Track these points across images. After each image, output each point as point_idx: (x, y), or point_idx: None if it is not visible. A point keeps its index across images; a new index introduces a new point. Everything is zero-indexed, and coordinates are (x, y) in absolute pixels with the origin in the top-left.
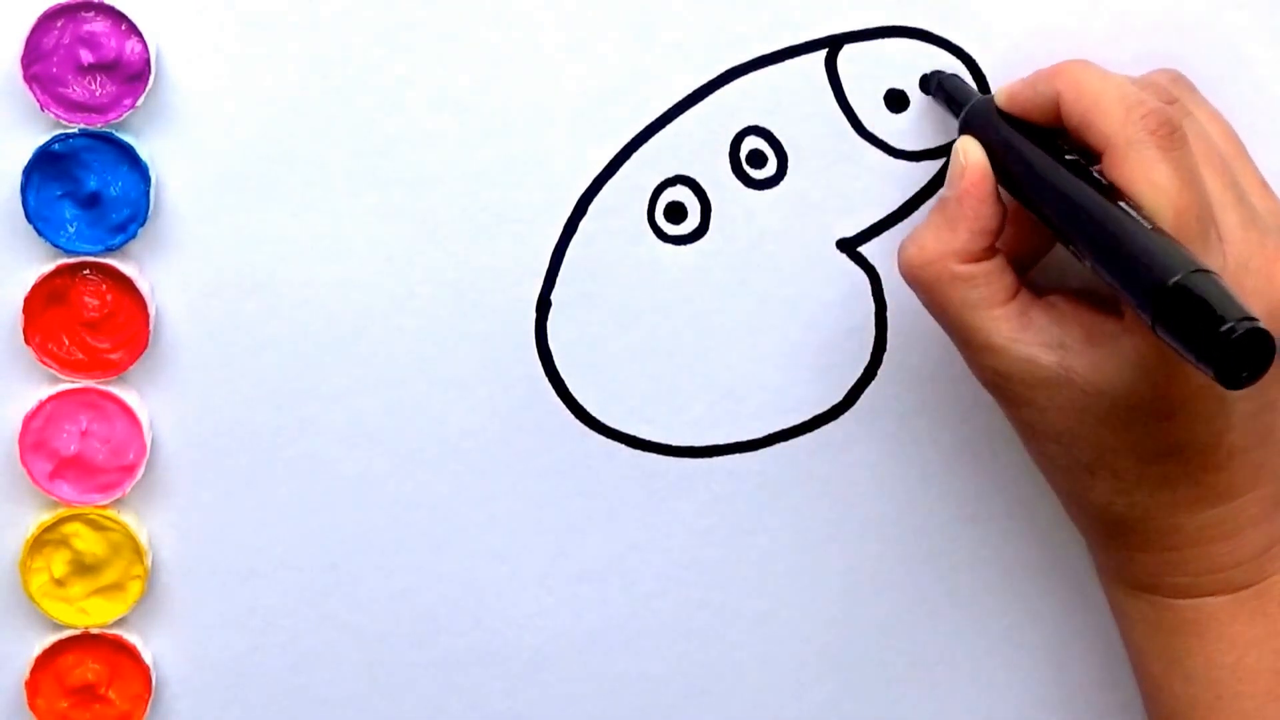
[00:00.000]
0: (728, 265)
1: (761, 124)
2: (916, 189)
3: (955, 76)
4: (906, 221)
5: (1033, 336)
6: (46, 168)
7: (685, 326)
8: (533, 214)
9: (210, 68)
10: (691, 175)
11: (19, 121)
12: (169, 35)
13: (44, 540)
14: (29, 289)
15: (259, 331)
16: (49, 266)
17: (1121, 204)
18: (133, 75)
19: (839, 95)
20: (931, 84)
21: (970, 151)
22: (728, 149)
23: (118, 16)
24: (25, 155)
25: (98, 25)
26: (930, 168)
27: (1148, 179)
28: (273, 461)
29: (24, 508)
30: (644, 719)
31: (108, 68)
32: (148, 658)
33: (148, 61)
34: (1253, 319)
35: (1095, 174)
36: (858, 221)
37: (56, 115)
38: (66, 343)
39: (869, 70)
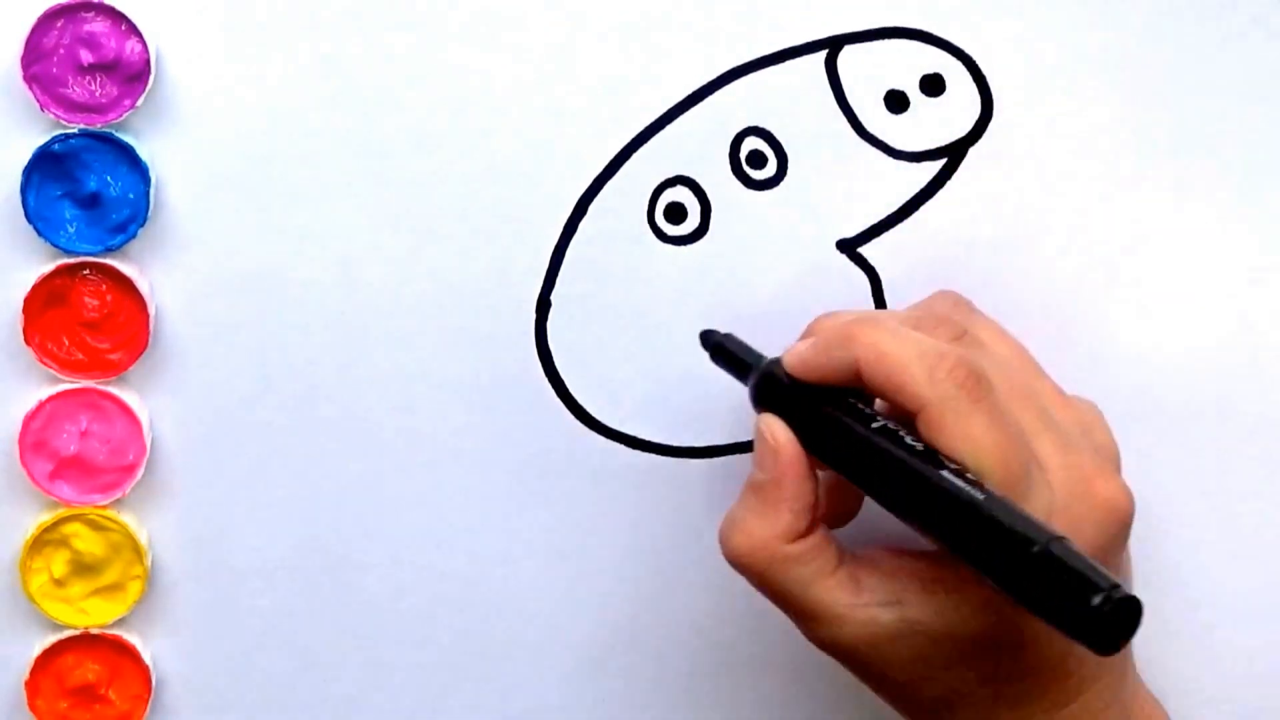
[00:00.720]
0: (728, 265)
1: (761, 124)
2: (916, 190)
3: (732, 337)
4: (907, 222)
5: (868, 598)
6: (46, 168)
7: (685, 326)
8: (533, 214)
9: (210, 68)
10: (691, 175)
11: (19, 121)
12: (169, 35)
13: (44, 540)
14: (29, 289)
15: (259, 331)
16: (49, 266)
17: (946, 473)
18: (133, 75)
19: (839, 96)
20: (710, 343)
21: (777, 433)
22: (728, 149)
23: (118, 16)
24: (25, 155)
25: (98, 25)
26: (930, 168)
27: (966, 436)
28: (273, 461)
29: (24, 508)
30: (644, 718)
31: (108, 68)
32: (148, 658)
33: (148, 61)
34: (1118, 586)
35: (910, 441)
36: (858, 222)
37: (56, 115)
38: (66, 343)
39: (869, 71)
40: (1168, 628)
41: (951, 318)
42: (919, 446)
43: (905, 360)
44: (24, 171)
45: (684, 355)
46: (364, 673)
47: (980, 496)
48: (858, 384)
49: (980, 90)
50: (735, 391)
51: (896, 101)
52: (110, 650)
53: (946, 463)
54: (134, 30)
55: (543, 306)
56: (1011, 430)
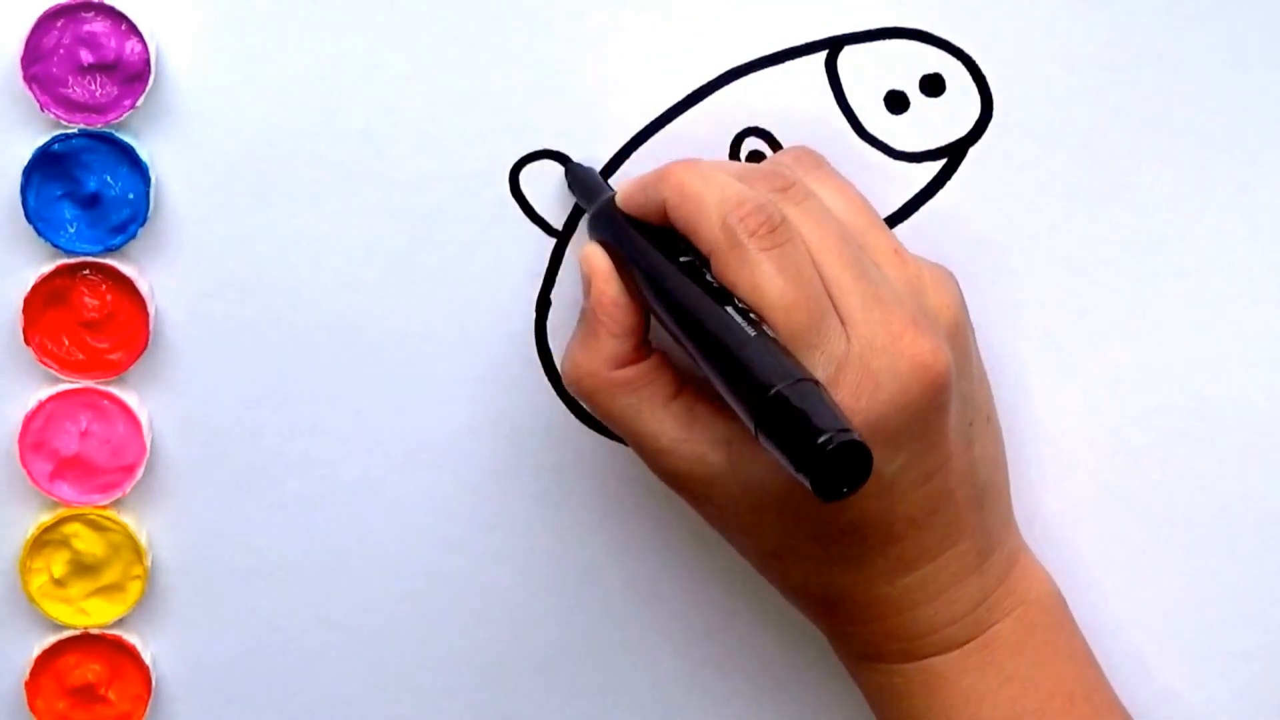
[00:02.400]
0: None
1: (761, 124)
2: (916, 190)
3: (588, 170)
4: (907, 223)
5: (700, 434)
6: (46, 168)
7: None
8: (533, 214)
9: (210, 68)
10: None
11: (19, 121)
12: (169, 35)
13: (44, 540)
14: (29, 289)
15: (259, 331)
16: (49, 266)
17: (729, 309)
18: (133, 75)
19: (839, 96)
20: (568, 176)
21: (593, 258)
22: (728, 149)
23: (118, 16)
24: (25, 155)
25: (98, 25)
26: (930, 169)
27: (750, 281)
28: (273, 461)
29: (24, 508)
30: (645, 718)
31: (108, 68)
32: (147, 658)
33: (148, 61)
34: (847, 430)
35: (709, 278)
36: None
37: (56, 115)
38: (66, 343)
39: (869, 71)
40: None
41: (782, 172)
42: (713, 285)
43: (703, 203)
44: (24, 171)
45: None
46: (364, 673)
47: (743, 337)
48: (667, 223)
49: (980, 90)
50: None
51: (896, 101)
52: (110, 650)
53: (735, 303)
54: (134, 30)
55: (543, 306)
56: (804, 280)
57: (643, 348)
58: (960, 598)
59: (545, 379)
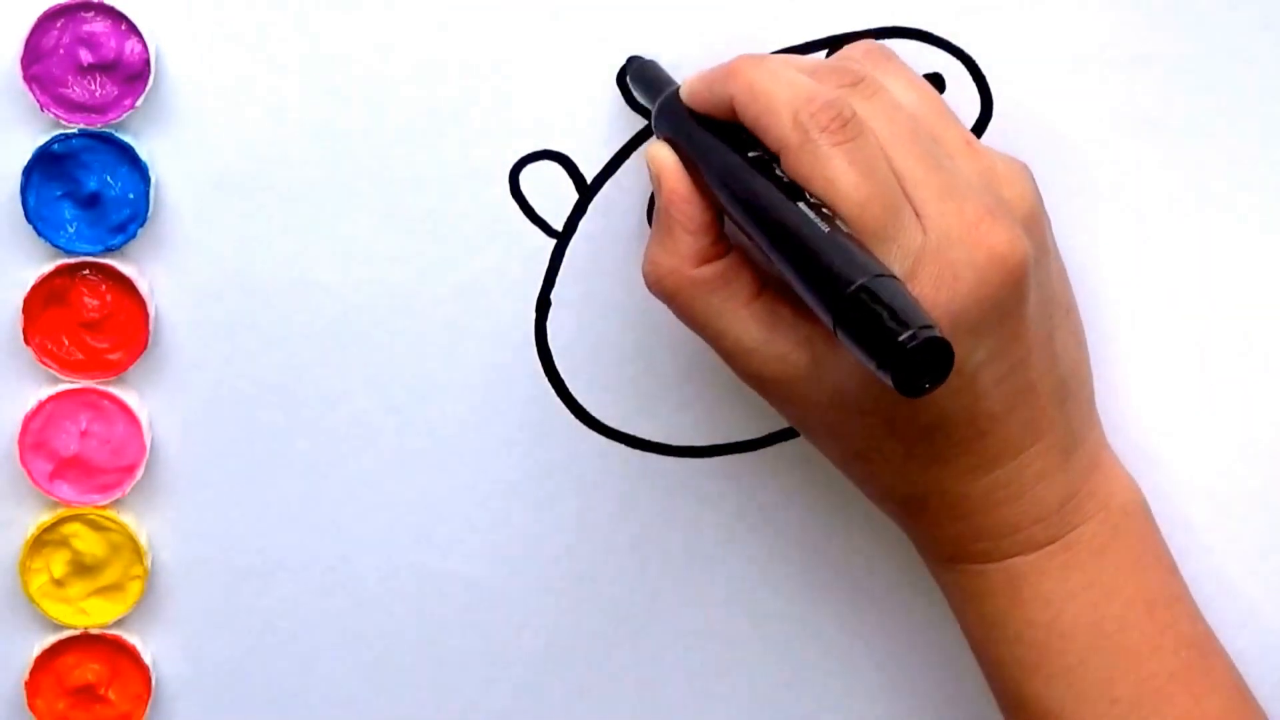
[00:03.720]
0: None
1: None
2: None
3: (650, 63)
4: None
5: (782, 334)
6: (46, 168)
7: (685, 326)
8: (533, 214)
9: (210, 68)
10: None
11: (19, 121)
12: (169, 35)
13: (44, 540)
14: (29, 289)
15: (259, 331)
16: (49, 266)
17: (802, 205)
18: (133, 75)
19: None
20: (628, 72)
21: (661, 155)
22: None
23: (118, 16)
24: (25, 155)
25: (98, 25)
26: None
27: (823, 176)
28: (273, 461)
29: (24, 508)
30: (645, 718)
31: (108, 68)
32: (147, 658)
33: (148, 61)
34: (929, 326)
35: (779, 174)
36: None
37: (56, 115)
38: (66, 343)
39: None
40: None
41: (850, 66)
42: (785, 181)
43: (774, 100)
44: (24, 171)
45: (684, 355)
46: (363, 673)
47: (818, 233)
48: (735, 119)
49: (980, 90)
50: (735, 391)
51: None
52: (110, 650)
53: (810, 199)
54: (134, 30)
55: (543, 306)
56: (878, 174)
57: (720, 242)
58: (1044, 496)
59: (545, 379)
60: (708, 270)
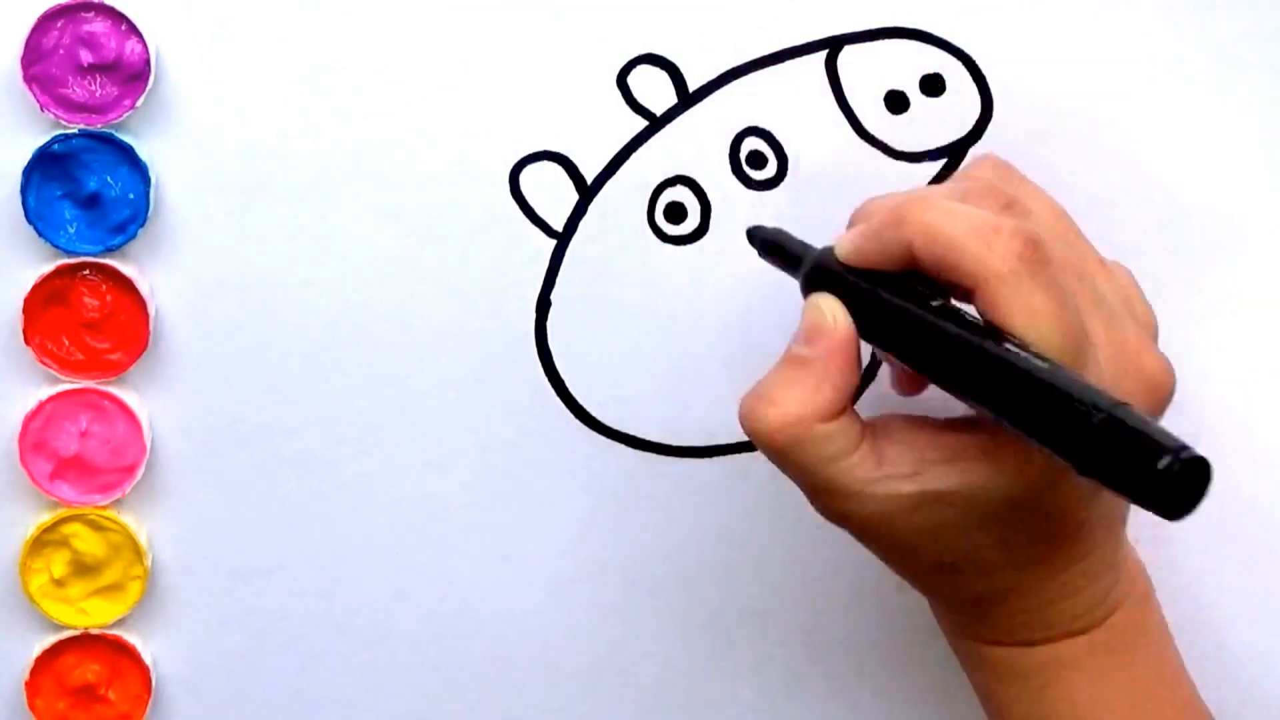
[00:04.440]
0: (728, 265)
1: (761, 125)
2: None
3: (781, 231)
4: None
5: (889, 469)
6: (46, 168)
7: (685, 327)
8: (533, 214)
9: (210, 68)
10: (691, 175)
11: (19, 121)
12: (169, 35)
13: (44, 541)
14: (29, 289)
15: (259, 332)
16: (49, 267)
17: (1009, 345)
18: (133, 75)
19: (839, 96)
20: (758, 239)
21: (833, 309)
22: (728, 149)
23: (118, 17)
24: (25, 155)
25: (98, 25)
26: (930, 169)
27: (1027, 309)
28: (273, 462)
29: (24, 508)
30: (645, 718)
31: (108, 68)
32: (147, 658)
33: (148, 61)
34: (1186, 447)
35: (970, 318)
36: None
37: (56, 116)
38: (66, 343)
39: (869, 71)
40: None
41: (997, 186)
42: (979, 323)
43: (959, 237)
44: (24, 172)
45: (684, 355)
46: (363, 673)
47: (1044, 366)
48: (912, 266)
49: (980, 90)
50: (735, 391)
51: (896, 101)
52: (110, 650)
53: (1008, 337)
54: (134, 30)
55: (543, 306)
56: (1069, 303)
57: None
58: (1103, 585)
59: (545, 379)
60: (831, 426)
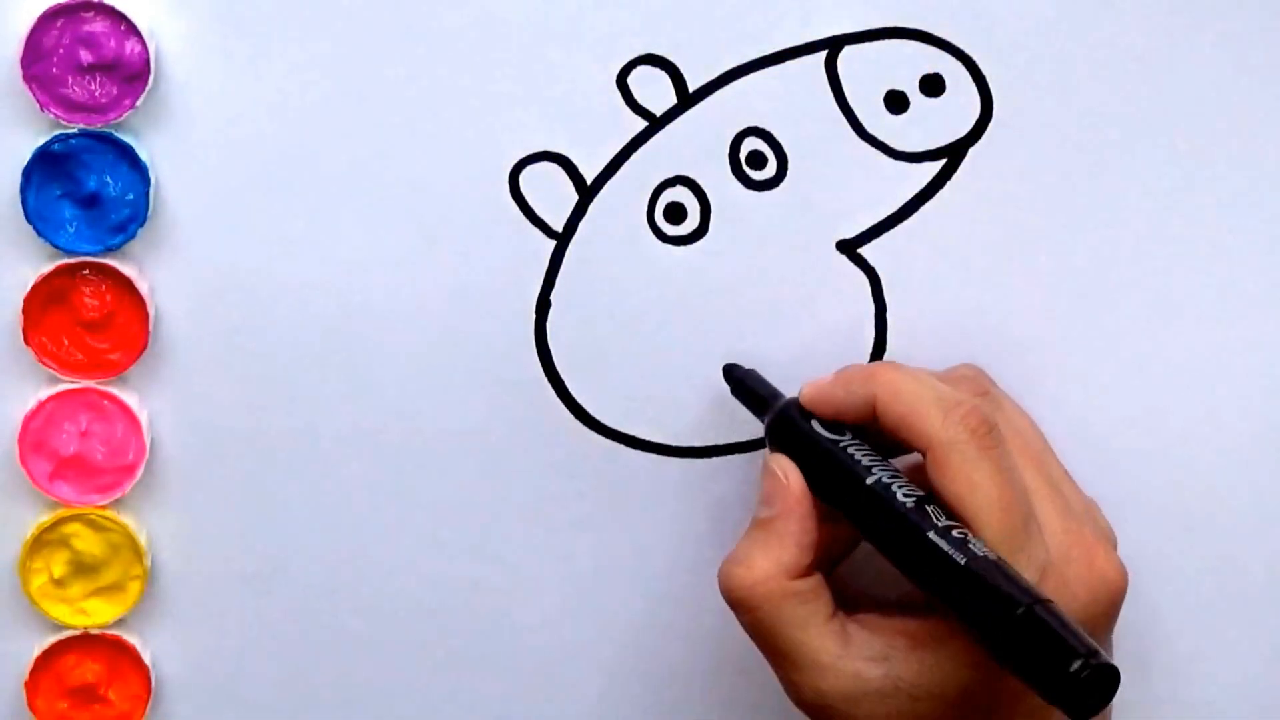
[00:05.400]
0: (728, 265)
1: (761, 125)
2: (916, 190)
3: (753, 372)
4: (907, 223)
5: (857, 651)
6: (46, 168)
7: (685, 326)
8: (532, 214)
9: (210, 68)
10: (691, 175)
11: (19, 121)
12: (169, 35)
13: (44, 541)
14: (29, 289)
15: (259, 332)
16: (49, 266)
17: (948, 524)
18: (132, 75)
19: (839, 96)
20: (732, 378)
21: (788, 470)
22: (728, 150)
23: (117, 16)
24: (25, 155)
25: (97, 25)
26: (930, 169)
27: (969, 480)
28: (273, 462)
29: (24, 508)
30: (646, 718)
31: (107, 68)
32: (147, 658)
33: (147, 61)
34: (1096, 652)
35: (906, 494)
36: (858, 223)
37: (56, 115)
38: (66, 343)
39: (869, 72)
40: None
41: (977, 380)
42: (912, 500)
43: (922, 400)
44: (24, 171)
45: (684, 355)
46: (364, 674)
47: (961, 559)
48: (872, 421)
49: (980, 90)
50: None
51: (896, 101)
52: (110, 650)
53: (936, 519)
54: (134, 30)
55: (543, 306)
56: (1016, 484)
57: (814, 564)
58: None
59: (545, 379)
60: (802, 584)
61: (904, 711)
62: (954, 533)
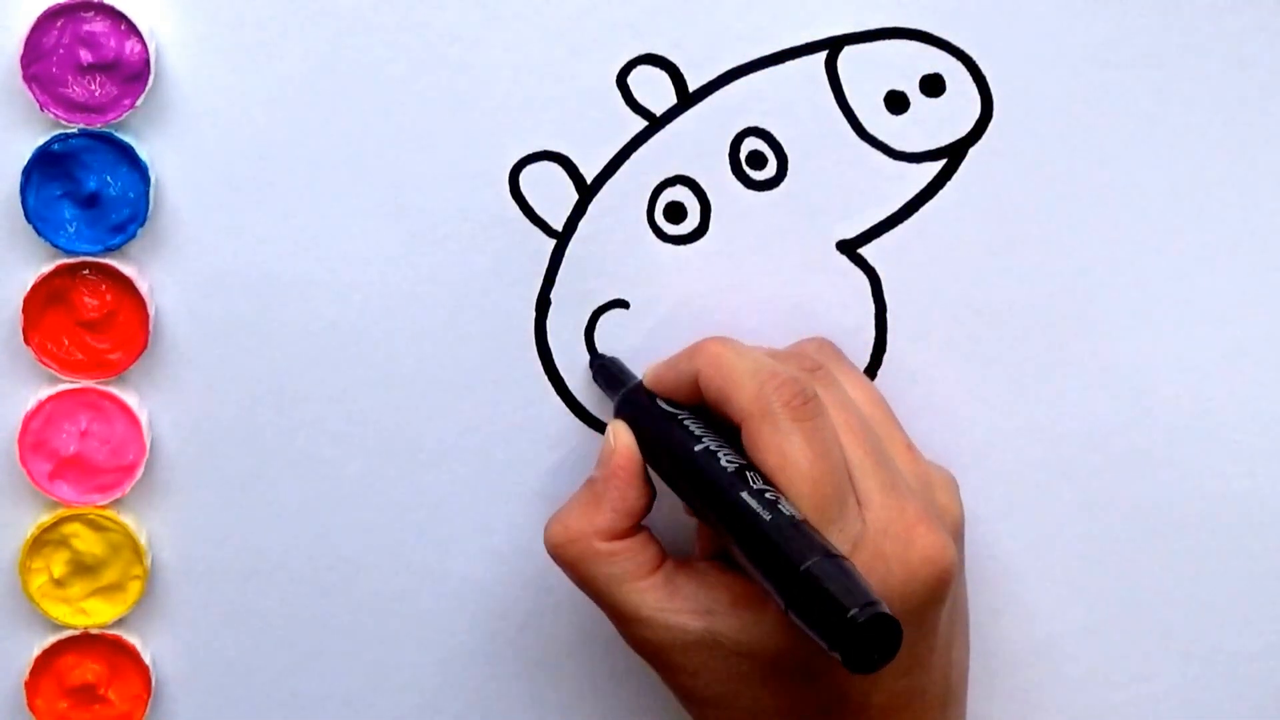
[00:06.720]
0: (728, 265)
1: (761, 125)
2: (916, 190)
3: (616, 360)
4: (907, 223)
5: (680, 604)
6: (46, 168)
7: (685, 326)
8: (532, 214)
9: (210, 68)
10: (691, 175)
11: (19, 121)
12: (169, 35)
13: (43, 540)
14: (29, 289)
15: (259, 331)
16: (49, 266)
17: (745, 494)
18: (132, 75)
19: (839, 97)
20: (593, 366)
21: (619, 435)
22: (728, 149)
23: (117, 16)
24: (25, 155)
25: (97, 25)
26: (930, 169)
27: (780, 451)
28: (272, 461)
29: (24, 508)
30: (646, 717)
31: (107, 68)
32: (147, 658)
33: (147, 61)
34: (875, 603)
35: (725, 461)
36: (858, 223)
37: (56, 115)
38: (66, 343)
39: (869, 72)
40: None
41: (810, 354)
42: (734, 467)
43: (737, 373)
44: (24, 171)
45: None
46: (364, 673)
47: (767, 516)
48: (699, 398)
49: (980, 90)
50: None
51: (896, 102)
52: (110, 650)
53: (753, 483)
54: (134, 30)
55: (543, 306)
56: (831, 457)
57: (634, 527)
58: None
59: (545, 379)
60: (614, 545)
61: (728, 666)
62: (766, 494)
